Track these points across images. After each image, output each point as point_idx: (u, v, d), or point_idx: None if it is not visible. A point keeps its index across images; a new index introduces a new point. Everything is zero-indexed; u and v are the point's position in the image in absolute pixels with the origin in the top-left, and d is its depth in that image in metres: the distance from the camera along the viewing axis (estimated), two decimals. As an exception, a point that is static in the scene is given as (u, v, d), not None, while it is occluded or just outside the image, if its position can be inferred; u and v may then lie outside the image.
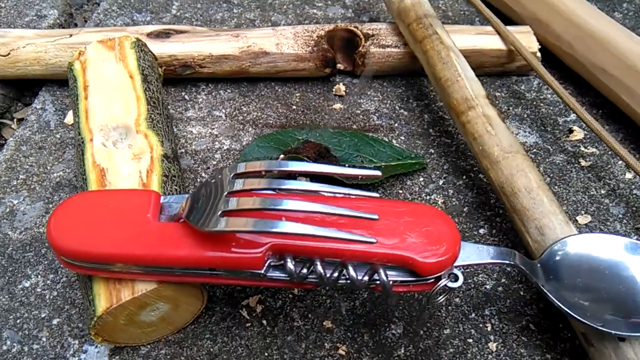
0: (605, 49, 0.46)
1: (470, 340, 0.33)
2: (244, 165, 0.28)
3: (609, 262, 0.30)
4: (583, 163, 0.43)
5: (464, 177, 0.42)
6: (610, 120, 0.46)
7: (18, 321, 0.35)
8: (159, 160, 0.35)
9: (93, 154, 0.35)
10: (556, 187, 0.41)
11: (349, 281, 0.27)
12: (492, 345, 0.33)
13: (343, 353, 0.33)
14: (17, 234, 0.39)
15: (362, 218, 0.25)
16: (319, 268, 0.26)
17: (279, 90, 0.50)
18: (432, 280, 0.28)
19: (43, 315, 0.35)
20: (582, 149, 0.44)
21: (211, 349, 0.33)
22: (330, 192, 0.28)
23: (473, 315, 0.34)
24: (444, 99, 0.42)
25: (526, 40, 0.48)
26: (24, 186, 0.42)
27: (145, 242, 0.27)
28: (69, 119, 0.47)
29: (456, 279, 0.28)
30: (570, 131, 0.45)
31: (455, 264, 0.28)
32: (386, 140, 0.45)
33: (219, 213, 0.26)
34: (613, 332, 0.28)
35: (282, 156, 0.41)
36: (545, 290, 0.29)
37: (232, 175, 0.28)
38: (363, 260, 0.27)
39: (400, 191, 0.41)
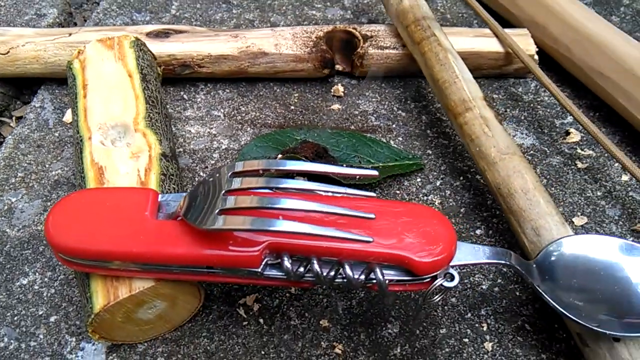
0: (602, 53, 0.46)
1: (466, 340, 0.33)
2: (242, 164, 0.28)
3: (604, 263, 0.30)
4: (580, 165, 0.43)
5: (461, 178, 0.43)
6: (607, 123, 0.47)
7: (16, 318, 0.35)
8: (157, 159, 0.35)
9: (91, 152, 0.35)
10: (553, 188, 0.42)
11: (345, 280, 0.27)
12: (488, 345, 0.33)
13: (339, 352, 0.33)
14: (15, 231, 0.39)
15: (359, 217, 0.26)
16: (316, 267, 0.27)
17: (278, 90, 0.50)
18: (428, 279, 0.28)
19: (40, 313, 0.35)
20: (579, 151, 0.44)
21: (208, 347, 0.33)
22: (328, 192, 0.28)
23: (469, 315, 0.34)
24: (442, 100, 0.42)
25: (524, 43, 0.48)
26: (22, 184, 0.42)
27: (142, 240, 0.27)
28: (68, 117, 0.47)
29: (452, 278, 0.28)
30: (567, 133, 0.45)
31: (451, 264, 0.28)
32: (384, 141, 0.45)
33: (217, 211, 0.26)
34: (608, 332, 0.28)
35: (280, 156, 0.41)
36: (540, 291, 0.29)
37: (230, 174, 0.28)
38: (359, 259, 0.27)
39: (398, 192, 0.42)
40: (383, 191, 0.42)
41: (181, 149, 0.45)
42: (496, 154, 0.37)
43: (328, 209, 0.26)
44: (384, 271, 0.27)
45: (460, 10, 0.59)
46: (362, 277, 0.27)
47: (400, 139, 0.46)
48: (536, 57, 0.48)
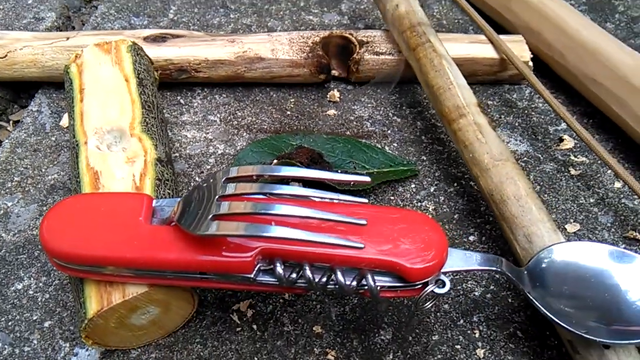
0: (596, 60, 0.46)
1: (458, 347, 0.33)
2: (236, 169, 0.29)
3: (595, 270, 0.30)
4: (573, 172, 0.43)
5: (455, 184, 0.43)
6: (600, 130, 0.47)
7: (10, 323, 0.35)
8: (153, 164, 0.35)
9: (87, 157, 0.35)
10: (546, 195, 0.42)
11: (337, 286, 0.27)
12: (480, 352, 0.33)
13: (332, 358, 0.33)
14: (10, 236, 0.40)
15: (350, 223, 0.26)
16: (308, 273, 0.27)
17: (274, 95, 0.50)
18: (420, 286, 0.28)
19: (35, 318, 0.35)
20: (572, 157, 0.45)
21: (201, 353, 0.33)
22: (320, 198, 0.28)
23: (461, 321, 0.35)
24: (436, 106, 0.42)
25: (518, 49, 0.49)
26: (18, 188, 0.43)
27: (136, 245, 0.27)
28: (65, 121, 0.48)
29: (443, 285, 0.28)
30: (561, 140, 0.46)
31: (442, 270, 0.28)
32: (379, 146, 0.45)
33: (210, 217, 0.26)
34: (598, 339, 0.28)
35: (275, 161, 0.42)
36: (531, 297, 0.29)
37: (224, 180, 0.28)
38: (351, 266, 0.27)
39: (392, 197, 0.42)
40: (377, 197, 0.42)
41: (177, 154, 0.45)
42: (489, 160, 0.37)
43: (319, 214, 0.26)
44: (376, 277, 0.27)
45: (456, 16, 0.59)
46: (354, 283, 0.27)
47: (395, 144, 0.46)
48: (531, 63, 0.49)
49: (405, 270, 0.27)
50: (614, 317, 0.29)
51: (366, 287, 0.27)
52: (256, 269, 0.27)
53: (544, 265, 0.30)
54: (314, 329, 0.34)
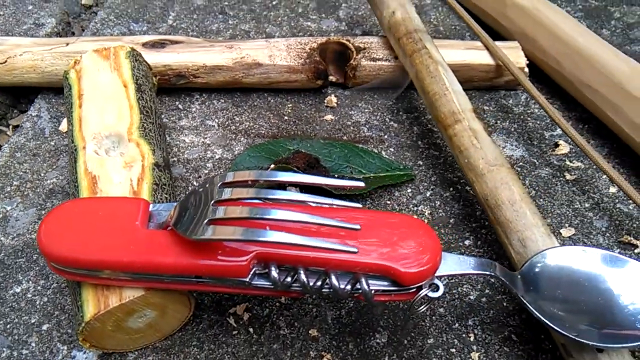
0: (591, 66, 0.47)
1: (453, 350, 0.34)
2: (233, 174, 0.29)
3: (588, 274, 0.30)
4: (568, 177, 0.44)
5: (451, 189, 0.43)
6: (596, 135, 0.47)
7: (8, 326, 0.35)
8: (150, 169, 0.36)
9: (85, 162, 0.36)
10: (541, 200, 0.42)
11: (332, 290, 0.27)
12: (475, 355, 0.33)
13: (328, 361, 0.33)
14: (9, 239, 0.40)
15: (345, 228, 0.26)
16: (303, 277, 0.27)
17: (272, 101, 0.51)
18: (414, 290, 0.28)
19: (33, 321, 0.35)
20: (568, 162, 0.45)
21: (198, 356, 0.33)
22: (314, 203, 0.28)
23: (456, 325, 0.35)
24: (432, 112, 0.43)
25: (514, 55, 0.49)
26: (17, 192, 0.43)
27: (133, 249, 0.28)
28: (64, 126, 0.48)
29: (437, 289, 0.28)
30: (556, 145, 0.46)
31: (436, 274, 0.28)
32: (376, 151, 0.45)
33: (206, 221, 0.27)
34: (590, 343, 0.28)
35: (272, 166, 0.42)
36: (525, 301, 0.29)
37: (220, 185, 0.29)
38: (346, 270, 0.27)
39: (388, 202, 0.42)
40: (374, 201, 0.42)
41: (175, 159, 0.45)
42: (484, 165, 0.37)
43: (314, 219, 0.26)
44: (370, 281, 0.28)
45: (453, 22, 0.59)
46: (349, 287, 0.28)
47: (392, 149, 0.46)
48: (526, 69, 0.49)
49: (399, 274, 0.27)
50: (607, 320, 0.29)
51: (360, 291, 0.27)
52: (251, 272, 0.28)
53: (537, 270, 0.30)
54: (310, 332, 0.35)
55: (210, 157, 0.46)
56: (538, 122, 0.48)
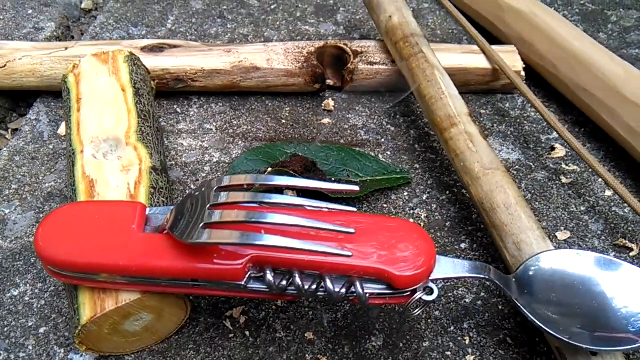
0: (587, 70, 0.47)
1: (449, 353, 0.34)
2: (229, 178, 0.29)
3: (582, 277, 0.30)
4: (564, 180, 0.44)
5: (448, 192, 0.43)
6: (592, 139, 0.47)
7: (5, 329, 0.35)
8: (147, 173, 0.36)
9: (83, 166, 0.36)
10: (537, 203, 0.42)
11: (327, 293, 0.28)
12: (470, 358, 0.33)
13: (323, 364, 0.33)
14: (7, 243, 0.40)
15: (339, 232, 0.26)
16: (298, 280, 0.27)
17: (269, 104, 0.51)
18: (408, 293, 0.28)
19: (30, 324, 0.36)
20: (564, 166, 0.45)
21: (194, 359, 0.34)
22: (310, 206, 0.29)
23: (452, 328, 0.35)
24: (429, 116, 0.43)
25: (511, 59, 0.49)
26: (16, 196, 0.43)
27: (129, 253, 0.28)
28: (63, 130, 0.48)
29: (431, 292, 0.28)
30: (552, 149, 0.46)
31: (430, 278, 0.29)
32: (372, 155, 0.46)
33: (201, 225, 0.27)
34: (585, 346, 0.28)
35: (269, 169, 0.42)
36: (519, 304, 0.30)
37: (216, 188, 0.29)
38: (340, 273, 0.28)
39: (385, 205, 0.42)
40: (371, 204, 0.42)
41: (173, 162, 0.46)
42: (480, 169, 0.37)
43: (309, 223, 0.26)
44: (365, 285, 0.28)
45: (451, 26, 0.60)
46: (343, 290, 0.28)
47: (389, 153, 0.46)
48: (523, 73, 0.49)
49: (393, 277, 0.27)
50: (601, 324, 0.29)
51: (355, 294, 0.28)
52: (247, 276, 0.28)
53: (531, 273, 0.31)
54: (306, 335, 0.35)
55: (208, 161, 0.46)
56: (534, 126, 0.49)
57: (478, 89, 0.51)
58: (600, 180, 0.44)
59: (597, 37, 0.57)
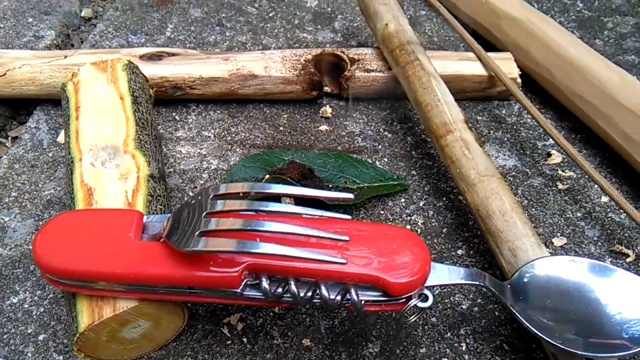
0: (583, 77, 0.47)
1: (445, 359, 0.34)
2: (225, 186, 0.29)
3: (577, 284, 0.31)
4: (560, 186, 0.44)
5: (444, 198, 0.43)
6: (588, 145, 0.48)
7: (5, 337, 0.35)
8: (145, 180, 0.36)
9: (81, 174, 0.36)
10: (533, 209, 0.42)
11: (322, 300, 0.28)
12: (466, 365, 0.34)
13: (320, 371, 0.33)
14: (7, 250, 0.40)
15: (334, 239, 0.27)
16: (293, 287, 0.27)
17: (267, 111, 0.51)
18: (403, 300, 0.28)
19: (29, 331, 0.36)
20: (560, 172, 0.45)
21: (192, 366, 0.34)
22: (305, 214, 0.29)
23: (449, 334, 0.35)
24: (425, 122, 0.43)
25: (507, 66, 0.50)
26: (15, 203, 0.43)
27: (126, 260, 0.28)
28: (62, 138, 0.49)
29: (426, 299, 0.29)
30: (549, 155, 0.46)
31: (425, 285, 0.29)
32: (370, 161, 0.46)
33: (197, 233, 0.27)
34: (580, 352, 0.28)
35: (266, 176, 0.42)
36: (514, 311, 0.30)
37: (212, 196, 0.29)
38: (335, 280, 0.28)
39: (382, 212, 0.43)
40: (368, 211, 0.43)
41: (171, 169, 0.46)
42: (475, 175, 0.38)
43: (304, 231, 0.27)
44: (361, 292, 0.28)
45: (447, 33, 0.60)
46: (338, 297, 0.28)
47: (386, 159, 0.47)
48: (519, 80, 0.50)
49: (388, 284, 0.27)
50: (596, 330, 0.29)
51: (350, 301, 0.28)
52: (243, 283, 0.28)
53: (526, 280, 0.31)
54: (303, 342, 0.35)
55: (206, 168, 0.46)
56: (531, 132, 0.49)
57: (474, 95, 0.51)
58: (596, 186, 0.44)
59: (593, 44, 0.58)
